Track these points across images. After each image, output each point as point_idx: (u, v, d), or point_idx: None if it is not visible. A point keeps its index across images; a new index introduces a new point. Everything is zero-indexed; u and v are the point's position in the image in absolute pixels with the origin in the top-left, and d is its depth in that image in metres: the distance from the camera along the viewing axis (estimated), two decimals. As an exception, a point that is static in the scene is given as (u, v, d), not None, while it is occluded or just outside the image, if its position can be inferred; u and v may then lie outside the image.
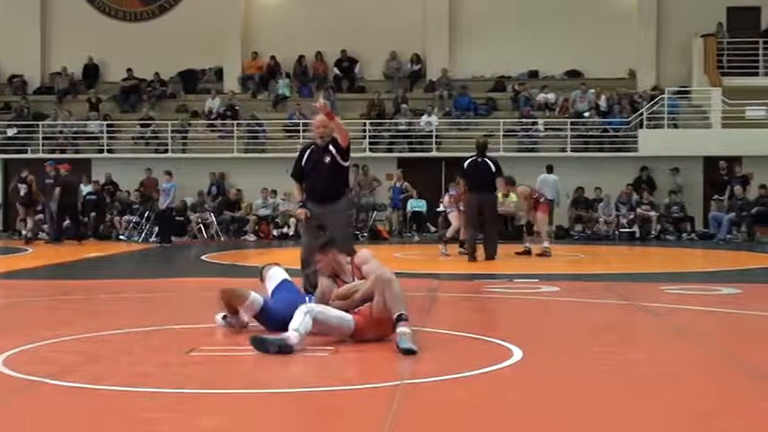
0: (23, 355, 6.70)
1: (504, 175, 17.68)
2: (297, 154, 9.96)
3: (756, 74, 26.57)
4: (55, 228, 22.40)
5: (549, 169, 23.63)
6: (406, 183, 24.68)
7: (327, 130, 9.53)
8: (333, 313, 7.11)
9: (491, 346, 7.10)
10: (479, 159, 15.97)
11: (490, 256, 15.77)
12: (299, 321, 6.82)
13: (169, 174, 22.31)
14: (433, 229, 24.46)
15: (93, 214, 24.18)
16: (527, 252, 17.07)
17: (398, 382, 5.68)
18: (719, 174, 23.93)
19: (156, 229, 22.73)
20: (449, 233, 17.93)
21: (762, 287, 12.15)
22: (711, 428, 4.85)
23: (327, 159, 9.52)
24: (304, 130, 26.16)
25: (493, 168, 15.79)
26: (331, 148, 9.53)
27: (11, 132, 27.27)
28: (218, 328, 7.89)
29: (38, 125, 27.12)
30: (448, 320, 8.53)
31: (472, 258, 15.66)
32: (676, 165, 24.67)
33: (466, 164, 16.14)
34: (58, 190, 22.17)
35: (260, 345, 6.72)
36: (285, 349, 6.62)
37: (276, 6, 29.39)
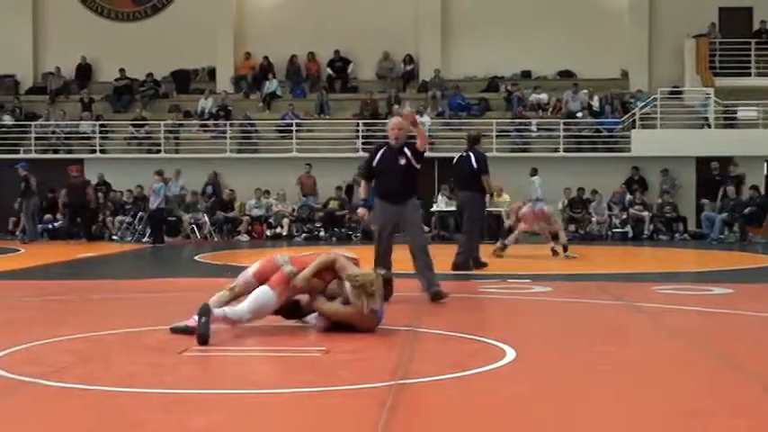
0: (15, 356, 6.68)
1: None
2: (368, 155, 10.41)
3: (749, 74, 26.61)
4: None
5: (536, 171, 23.62)
6: None
7: (402, 133, 9.97)
8: (244, 307, 7.50)
9: (484, 346, 7.10)
10: (464, 154, 14.40)
11: (460, 263, 13.81)
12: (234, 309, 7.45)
13: (159, 174, 22.27)
14: (426, 229, 24.45)
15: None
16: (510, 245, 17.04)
17: (392, 382, 5.68)
18: (712, 174, 23.99)
19: (149, 229, 22.71)
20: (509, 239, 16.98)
21: (754, 287, 12.17)
22: (703, 428, 4.86)
23: (402, 161, 9.93)
24: (297, 131, 26.16)
25: (474, 164, 14.00)
26: (406, 150, 9.98)
27: (7, 120, 27.27)
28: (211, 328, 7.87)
29: (30, 125, 27.07)
30: (441, 320, 8.53)
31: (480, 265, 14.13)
32: (669, 165, 24.73)
33: (454, 159, 14.88)
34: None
35: (203, 337, 7.03)
36: (203, 309, 7.15)
37: (269, 6, 29.36)
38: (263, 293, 7.52)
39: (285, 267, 7.65)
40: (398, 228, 10.22)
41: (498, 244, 16.99)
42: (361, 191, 10.56)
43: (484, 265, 14.18)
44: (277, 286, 7.55)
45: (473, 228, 14.14)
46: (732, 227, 22.70)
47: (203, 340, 7.01)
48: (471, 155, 14.19)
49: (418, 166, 10.05)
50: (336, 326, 7.61)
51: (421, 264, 10.06)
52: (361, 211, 10.40)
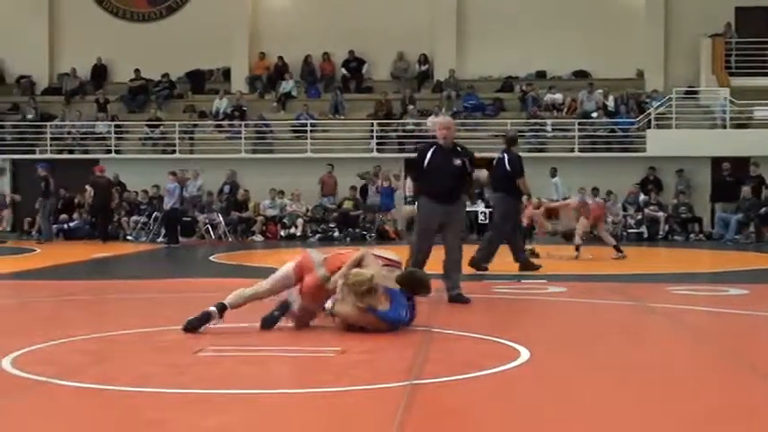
0: (31, 356, 6.71)
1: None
2: (415, 154, 10.35)
3: (765, 74, 26.48)
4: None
5: (556, 172, 23.66)
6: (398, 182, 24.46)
7: (450, 133, 10.01)
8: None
9: (499, 347, 7.10)
10: (501, 155, 14.17)
11: (477, 261, 13.59)
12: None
13: (173, 174, 22.28)
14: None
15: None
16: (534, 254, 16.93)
17: (407, 383, 5.68)
18: (723, 175, 23.89)
19: (164, 229, 22.76)
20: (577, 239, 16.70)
21: (770, 288, 12.12)
22: (720, 430, 4.84)
23: (457, 162, 9.89)
24: (311, 131, 26.18)
25: (507, 167, 13.83)
26: (461, 154, 9.98)
27: (31, 116, 27.42)
28: (225, 328, 7.90)
29: (46, 126, 27.18)
30: (456, 321, 8.53)
31: (532, 267, 13.90)
32: (684, 165, 24.64)
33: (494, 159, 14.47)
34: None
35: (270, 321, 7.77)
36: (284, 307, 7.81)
37: (284, 6, 29.41)
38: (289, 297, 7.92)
39: (318, 270, 7.82)
40: (442, 227, 9.99)
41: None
42: (407, 189, 10.42)
43: (535, 267, 13.88)
44: (305, 294, 7.80)
45: (499, 229, 13.95)
46: (748, 227, 22.60)
47: (268, 326, 7.72)
48: (505, 156, 13.99)
49: (469, 171, 10.05)
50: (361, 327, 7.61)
51: (451, 263, 9.99)
52: (408, 208, 10.32)
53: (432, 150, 10.01)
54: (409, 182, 10.39)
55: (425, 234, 10.03)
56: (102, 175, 23.54)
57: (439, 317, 8.70)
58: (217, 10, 28.69)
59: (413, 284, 7.87)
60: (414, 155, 10.83)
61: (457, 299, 9.84)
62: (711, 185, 24.77)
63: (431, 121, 26.15)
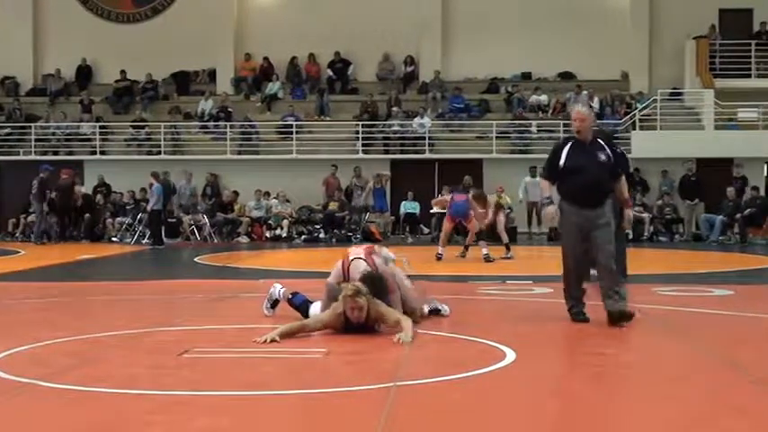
0: (16, 358, 6.68)
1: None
2: (551, 152, 8.87)
3: (749, 75, 26.63)
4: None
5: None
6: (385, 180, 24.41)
7: (585, 125, 8.55)
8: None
9: (484, 348, 7.10)
10: (617, 151, 13.22)
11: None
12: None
13: (155, 175, 22.18)
14: (426, 230, 24.46)
15: (86, 215, 24.21)
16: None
17: (392, 384, 5.68)
18: (687, 176, 23.91)
19: (147, 231, 22.67)
20: None
21: (754, 288, 12.17)
22: (705, 430, 4.86)
23: (602, 157, 8.51)
24: (297, 132, 26.17)
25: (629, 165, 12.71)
26: (604, 146, 8.62)
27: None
28: (211, 330, 7.89)
29: (30, 127, 27.08)
30: (442, 322, 8.53)
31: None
32: (669, 166, 24.71)
33: None
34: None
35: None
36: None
37: (269, 8, 29.38)
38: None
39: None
40: (587, 236, 8.53)
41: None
42: (546, 189, 8.91)
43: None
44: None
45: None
46: (732, 228, 22.69)
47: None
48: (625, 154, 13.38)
49: (617, 170, 8.70)
50: (350, 328, 7.57)
51: (605, 275, 8.66)
52: (551, 209, 8.62)
53: (569, 146, 8.59)
54: (544, 182, 8.99)
55: (570, 241, 8.70)
56: (66, 177, 23.52)
57: (425, 319, 8.70)
58: (202, 11, 28.65)
59: (371, 285, 7.80)
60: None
61: (620, 317, 8.34)
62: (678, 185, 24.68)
63: (417, 122, 26.19)
